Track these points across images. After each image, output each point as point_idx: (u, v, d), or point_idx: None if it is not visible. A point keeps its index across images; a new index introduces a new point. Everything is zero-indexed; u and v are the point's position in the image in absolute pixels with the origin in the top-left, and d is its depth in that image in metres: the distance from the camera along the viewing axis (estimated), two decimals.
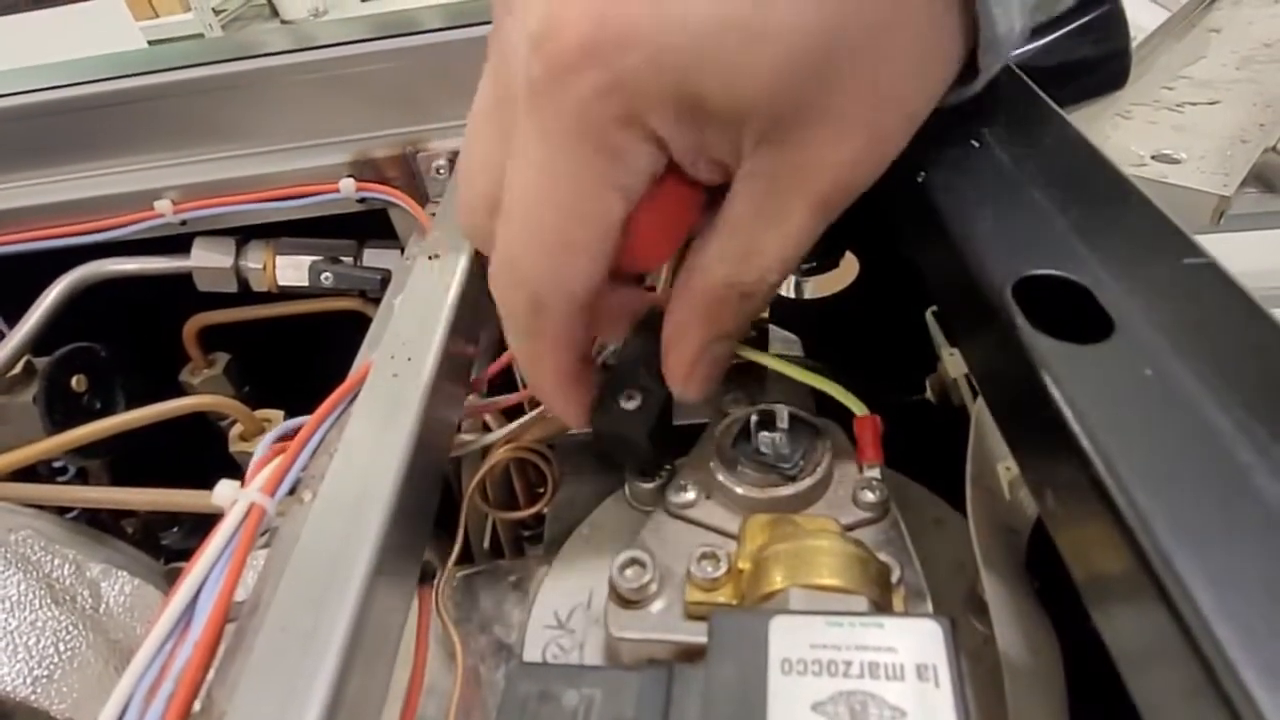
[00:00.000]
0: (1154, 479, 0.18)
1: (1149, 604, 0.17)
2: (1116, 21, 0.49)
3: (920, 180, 0.29)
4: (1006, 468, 0.31)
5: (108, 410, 0.62)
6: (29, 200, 0.59)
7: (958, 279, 0.26)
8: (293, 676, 0.25)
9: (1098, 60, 0.48)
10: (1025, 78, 0.35)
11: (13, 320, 0.60)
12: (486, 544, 0.57)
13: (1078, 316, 0.23)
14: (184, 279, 0.63)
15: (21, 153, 0.59)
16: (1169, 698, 0.17)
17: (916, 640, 0.25)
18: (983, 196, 0.28)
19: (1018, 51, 0.44)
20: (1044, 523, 0.32)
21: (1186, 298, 0.23)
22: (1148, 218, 0.26)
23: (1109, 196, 0.27)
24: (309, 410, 0.41)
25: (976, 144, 0.31)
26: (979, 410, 0.35)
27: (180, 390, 0.70)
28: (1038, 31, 0.41)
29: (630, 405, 0.35)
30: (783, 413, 0.37)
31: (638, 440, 0.35)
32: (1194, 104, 0.82)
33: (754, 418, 0.37)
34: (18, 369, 0.58)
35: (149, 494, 0.48)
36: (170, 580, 0.59)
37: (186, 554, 0.71)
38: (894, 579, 0.31)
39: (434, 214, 0.53)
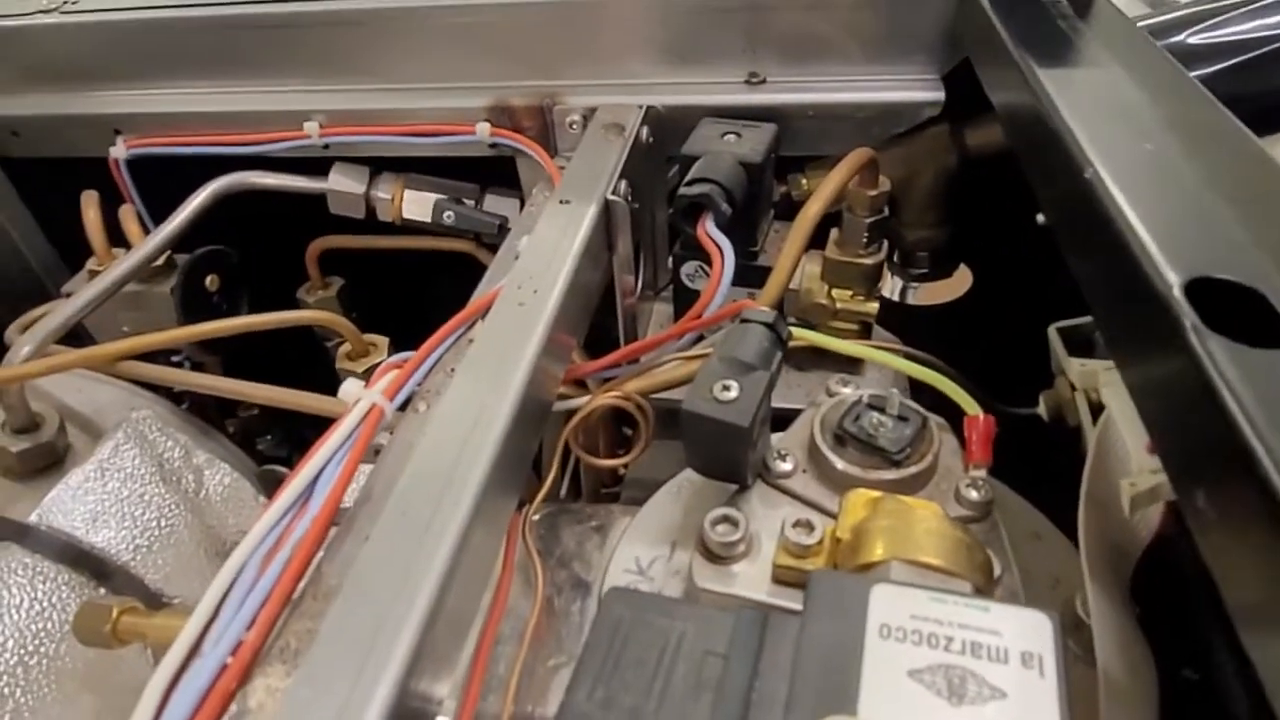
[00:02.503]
0: None
1: None
2: None
3: (1087, 176, 0.29)
4: (1131, 484, 0.30)
5: (233, 311, 0.66)
6: (192, 107, 0.63)
7: (1122, 278, 0.25)
8: (411, 557, 0.27)
9: None
10: (1205, 90, 0.34)
11: (158, 216, 0.65)
12: (564, 492, 0.58)
13: (1251, 322, 0.22)
14: (315, 201, 0.66)
15: (191, 63, 0.63)
16: None
17: (1023, 628, 0.24)
18: (1154, 198, 0.27)
19: (1206, 70, 0.43)
20: (1174, 542, 0.30)
21: None
22: None
23: None
24: (410, 341, 0.42)
25: (1150, 147, 0.30)
26: (1103, 425, 0.34)
27: (296, 305, 0.74)
28: (1227, 53, 0.39)
29: (727, 395, 0.34)
30: (894, 399, 0.37)
31: (740, 426, 0.33)
32: None
33: (865, 399, 0.37)
34: (160, 261, 0.62)
35: (272, 390, 0.51)
36: (264, 482, 0.63)
37: (278, 460, 0.75)
38: (995, 574, 0.30)
39: (562, 167, 0.55)
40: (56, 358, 0.53)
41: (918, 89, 0.55)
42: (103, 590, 0.51)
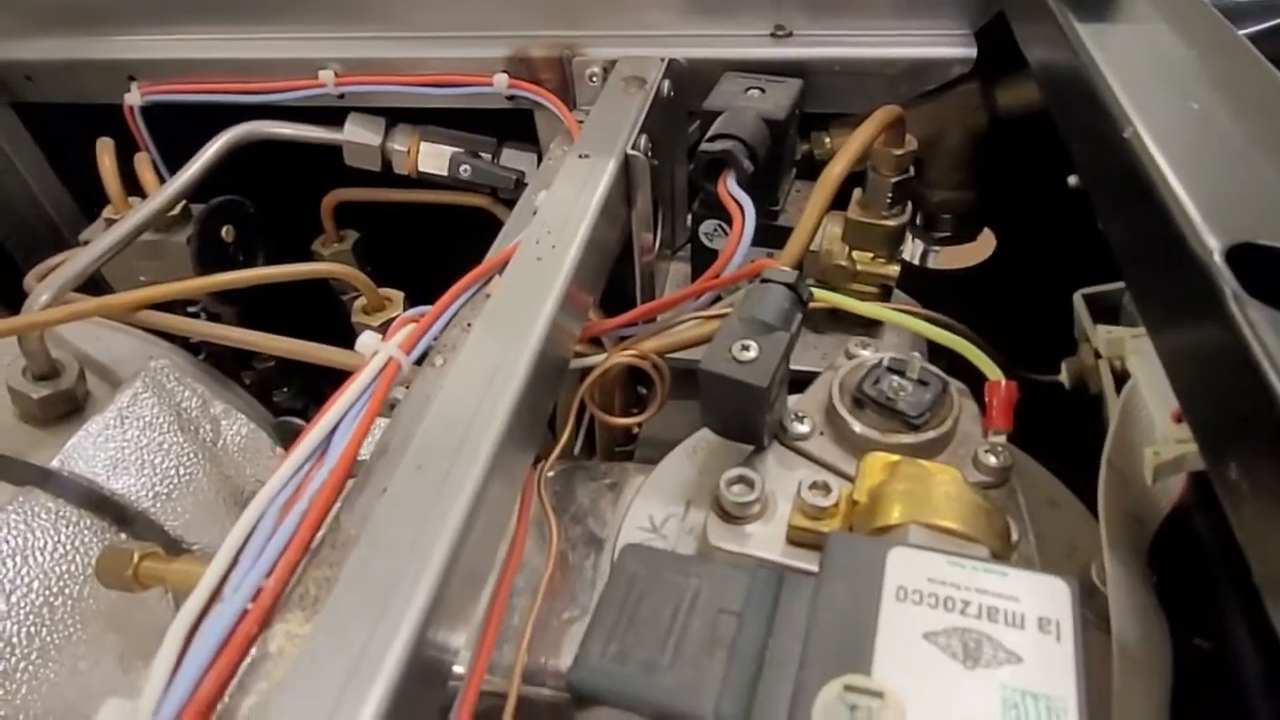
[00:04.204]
0: None
1: None
2: None
3: (1127, 136, 0.28)
4: (1155, 452, 0.30)
5: (249, 262, 0.66)
6: (207, 54, 0.62)
7: (1160, 242, 0.25)
8: (428, 508, 0.27)
9: None
10: (1254, 48, 0.33)
11: (173, 165, 0.64)
12: (578, 450, 0.58)
13: None
14: (331, 152, 0.66)
15: (206, 7, 0.62)
16: None
17: (1041, 594, 0.24)
18: (1197, 159, 0.26)
19: (1255, 28, 0.41)
20: (1194, 512, 0.30)
21: None
22: None
23: None
24: (425, 296, 0.42)
25: (1194, 106, 0.29)
26: (1128, 393, 0.34)
27: (311, 258, 0.73)
28: (1278, 10, 0.37)
29: (746, 356, 0.33)
30: (915, 363, 0.36)
31: (758, 387, 0.33)
32: None
33: (885, 362, 0.36)
34: (176, 210, 0.62)
35: (289, 342, 0.51)
36: (281, 433, 0.63)
37: (294, 412, 0.76)
38: (1013, 539, 0.30)
39: (581, 120, 0.54)
40: (75, 305, 0.53)
41: (948, 45, 0.53)
42: (124, 535, 0.51)
